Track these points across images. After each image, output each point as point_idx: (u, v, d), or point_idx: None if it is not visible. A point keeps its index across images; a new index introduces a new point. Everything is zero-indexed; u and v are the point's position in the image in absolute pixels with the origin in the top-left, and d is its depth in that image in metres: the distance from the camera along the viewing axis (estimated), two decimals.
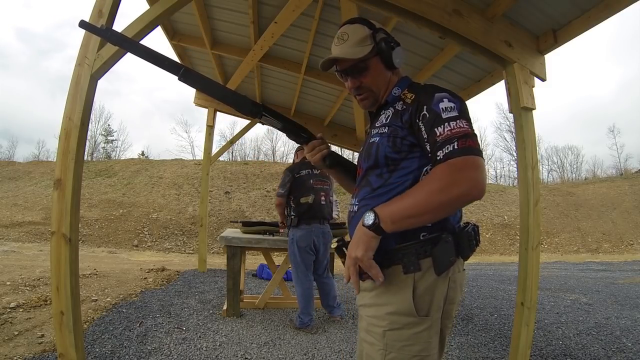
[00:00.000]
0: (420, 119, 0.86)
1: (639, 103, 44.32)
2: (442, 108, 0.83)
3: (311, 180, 3.02)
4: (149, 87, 61.98)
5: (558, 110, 49.27)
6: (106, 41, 1.08)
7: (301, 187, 2.98)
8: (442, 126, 0.81)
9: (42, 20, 64.21)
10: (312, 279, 3.05)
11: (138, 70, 65.52)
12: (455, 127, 0.80)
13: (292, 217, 2.96)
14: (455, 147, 0.77)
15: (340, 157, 1.17)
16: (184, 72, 1.01)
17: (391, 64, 0.98)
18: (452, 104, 0.84)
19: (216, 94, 1.05)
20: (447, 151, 0.78)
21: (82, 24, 1.07)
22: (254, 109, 1.04)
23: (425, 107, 0.86)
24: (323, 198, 3.03)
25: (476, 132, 0.89)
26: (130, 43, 1.06)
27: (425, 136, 0.84)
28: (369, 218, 0.82)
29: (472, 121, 0.86)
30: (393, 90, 0.99)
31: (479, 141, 0.83)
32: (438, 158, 0.79)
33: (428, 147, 0.84)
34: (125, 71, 62.27)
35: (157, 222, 10.19)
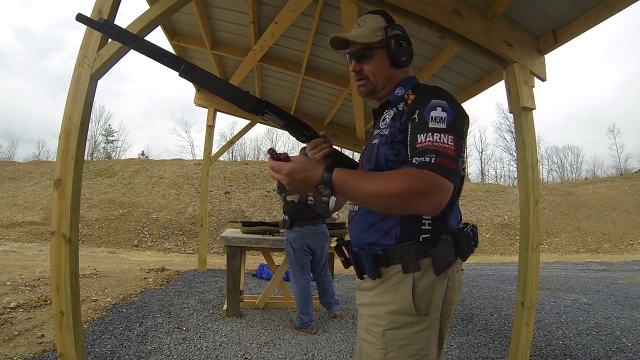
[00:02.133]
0: (411, 121, 0.86)
1: (638, 103, 44.37)
2: (432, 117, 0.82)
3: None
4: (149, 87, 61.88)
5: (558, 110, 49.17)
6: (104, 35, 1.05)
7: None
8: (425, 134, 0.81)
9: (41, 20, 64.11)
10: (310, 278, 3.06)
11: (138, 70, 65.44)
12: (438, 141, 0.79)
13: (285, 219, 2.97)
14: (433, 161, 0.77)
15: (343, 155, 1.16)
16: (185, 68, 0.97)
17: (396, 61, 0.98)
18: (443, 114, 0.82)
19: (218, 90, 1.02)
20: (422, 161, 0.78)
21: (80, 18, 1.03)
22: (257, 106, 1.01)
23: (417, 111, 0.86)
24: (311, 198, 2.97)
25: (472, 132, 0.89)
26: (129, 37, 1.03)
27: (409, 139, 0.85)
28: (327, 175, 0.81)
29: (464, 133, 0.86)
30: (396, 90, 0.99)
31: (464, 157, 0.84)
32: (414, 163, 0.80)
33: (408, 150, 0.85)
34: (125, 71, 62.11)
35: (157, 222, 10.19)
